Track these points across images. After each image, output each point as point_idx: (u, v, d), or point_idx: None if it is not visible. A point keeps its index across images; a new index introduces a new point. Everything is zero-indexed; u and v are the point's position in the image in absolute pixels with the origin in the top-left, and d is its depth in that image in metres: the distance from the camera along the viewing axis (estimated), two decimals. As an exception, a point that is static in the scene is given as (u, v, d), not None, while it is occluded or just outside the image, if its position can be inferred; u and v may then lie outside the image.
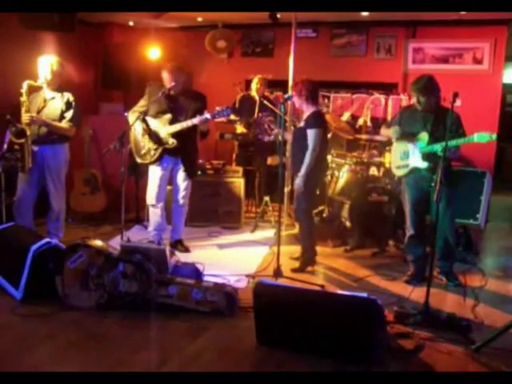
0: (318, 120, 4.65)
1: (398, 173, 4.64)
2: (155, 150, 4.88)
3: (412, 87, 4.34)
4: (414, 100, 4.39)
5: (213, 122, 5.08)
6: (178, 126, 4.80)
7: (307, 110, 4.71)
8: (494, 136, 3.79)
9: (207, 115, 4.73)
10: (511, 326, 3.30)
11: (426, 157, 4.28)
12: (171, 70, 4.84)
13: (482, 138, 3.82)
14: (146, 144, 4.90)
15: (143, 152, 4.94)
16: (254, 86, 6.58)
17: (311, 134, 4.57)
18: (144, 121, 4.88)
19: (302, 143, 4.61)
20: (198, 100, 4.97)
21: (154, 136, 4.87)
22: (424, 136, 4.27)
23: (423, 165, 4.30)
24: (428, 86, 4.26)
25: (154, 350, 3.29)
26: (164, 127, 4.85)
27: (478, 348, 3.29)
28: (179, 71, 4.89)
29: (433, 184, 3.78)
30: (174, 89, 4.86)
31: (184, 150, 4.94)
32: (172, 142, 4.83)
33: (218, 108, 4.78)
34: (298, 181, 4.62)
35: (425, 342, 3.38)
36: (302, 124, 4.73)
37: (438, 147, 4.08)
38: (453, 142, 3.96)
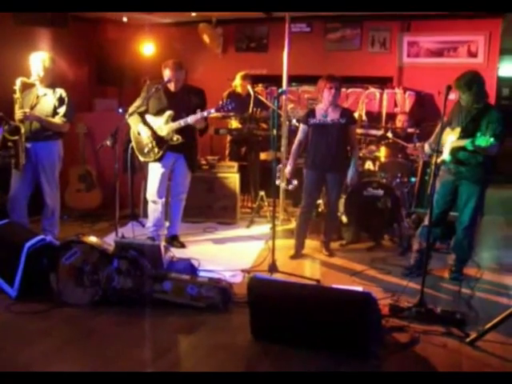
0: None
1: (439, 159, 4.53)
2: (159, 147, 4.87)
3: (454, 83, 4.15)
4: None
5: (208, 117, 5.06)
6: (181, 122, 4.79)
7: (337, 104, 4.91)
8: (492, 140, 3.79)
9: (211, 110, 4.74)
10: (506, 318, 3.30)
11: (453, 151, 4.21)
12: (173, 67, 4.81)
13: (481, 141, 3.82)
14: (150, 142, 4.88)
15: (146, 150, 4.92)
16: (238, 82, 6.58)
17: (355, 129, 5.03)
18: (144, 119, 4.88)
19: (337, 137, 4.76)
20: (198, 95, 4.97)
21: (157, 134, 4.85)
22: (457, 131, 4.23)
23: (447, 158, 4.24)
24: (468, 82, 4.13)
25: (148, 345, 3.28)
26: (166, 124, 4.83)
27: (472, 341, 3.30)
28: (180, 68, 4.88)
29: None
30: (174, 86, 4.86)
31: (186, 145, 4.93)
32: (177, 138, 4.81)
33: (221, 102, 4.76)
34: (355, 176, 4.89)
35: (419, 336, 3.39)
36: (328, 119, 4.78)
37: (467, 143, 4.01)
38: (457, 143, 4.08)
